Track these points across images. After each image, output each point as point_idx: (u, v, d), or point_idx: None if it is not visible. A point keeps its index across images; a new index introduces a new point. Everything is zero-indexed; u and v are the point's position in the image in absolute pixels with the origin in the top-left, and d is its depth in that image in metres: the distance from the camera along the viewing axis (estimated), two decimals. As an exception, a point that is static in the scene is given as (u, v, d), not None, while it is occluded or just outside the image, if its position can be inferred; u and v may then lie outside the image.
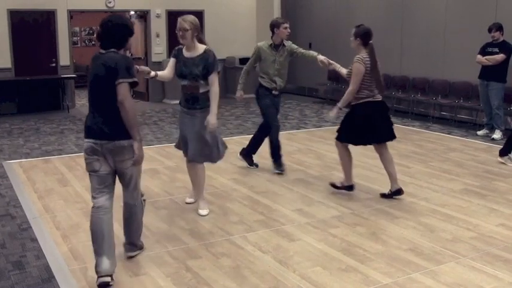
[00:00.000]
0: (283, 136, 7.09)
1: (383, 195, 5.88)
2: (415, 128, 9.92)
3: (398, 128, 9.93)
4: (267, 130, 6.77)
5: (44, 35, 12.25)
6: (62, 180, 6.61)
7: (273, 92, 6.65)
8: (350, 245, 4.62)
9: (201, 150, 5.26)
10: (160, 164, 7.27)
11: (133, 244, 4.38)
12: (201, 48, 5.15)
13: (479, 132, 9.30)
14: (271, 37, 6.63)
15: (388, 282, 3.94)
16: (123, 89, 3.83)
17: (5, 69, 11.84)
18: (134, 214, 4.27)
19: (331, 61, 6.23)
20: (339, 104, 5.70)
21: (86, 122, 4.03)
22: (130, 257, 4.34)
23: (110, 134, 3.88)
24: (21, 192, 6.15)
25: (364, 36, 5.64)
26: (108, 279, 3.84)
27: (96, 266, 3.88)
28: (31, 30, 12.06)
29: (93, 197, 4.03)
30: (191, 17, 5.12)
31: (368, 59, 5.59)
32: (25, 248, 4.60)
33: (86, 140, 3.97)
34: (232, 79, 14.19)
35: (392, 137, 5.84)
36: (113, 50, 3.97)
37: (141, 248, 4.47)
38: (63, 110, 12.22)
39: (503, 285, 3.91)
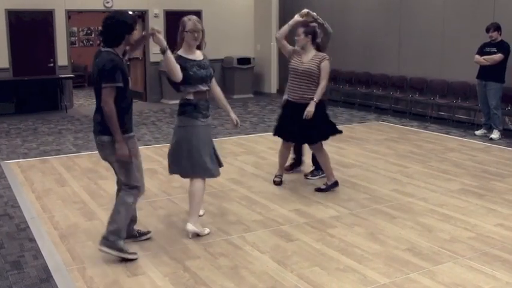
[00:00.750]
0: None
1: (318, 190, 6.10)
2: (413, 128, 9.93)
3: (396, 128, 9.97)
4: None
5: (42, 35, 12.24)
6: (60, 180, 6.60)
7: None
8: (348, 245, 4.62)
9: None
10: (158, 164, 7.26)
11: (105, 237, 4.22)
12: (198, 50, 4.89)
13: (477, 132, 9.30)
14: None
15: (386, 282, 3.94)
16: (104, 94, 4.05)
17: (3, 69, 11.83)
18: (114, 208, 4.31)
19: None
20: (316, 99, 5.81)
21: None
22: (101, 250, 4.22)
23: (96, 129, 4.26)
24: (19, 192, 6.15)
25: (314, 34, 5.96)
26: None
27: None
28: (29, 30, 12.05)
29: None
30: (197, 18, 4.90)
31: None
32: (23, 248, 4.59)
33: None
34: (230, 79, 14.21)
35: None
36: (107, 48, 4.12)
37: (113, 248, 4.21)
38: (61, 110, 12.21)
39: (501, 285, 3.91)
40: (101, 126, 4.17)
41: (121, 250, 4.24)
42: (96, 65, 4.12)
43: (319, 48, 5.98)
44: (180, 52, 4.78)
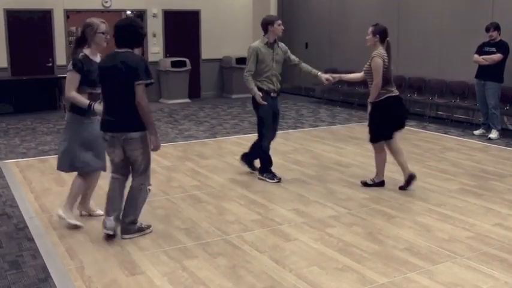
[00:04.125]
0: (279, 135, 7.07)
1: (401, 188, 6.18)
2: (411, 128, 9.92)
3: (395, 127, 9.97)
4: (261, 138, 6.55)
5: (41, 34, 12.23)
6: (59, 180, 6.59)
7: (272, 94, 6.39)
8: (346, 244, 4.62)
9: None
10: (156, 164, 7.25)
11: (130, 223, 4.68)
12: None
13: (476, 132, 9.31)
14: (264, 35, 6.40)
15: (385, 282, 3.94)
16: (141, 91, 4.38)
17: (2, 68, 11.82)
18: (135, 197, 4.66)
19: (335, 75, 6.53)
20: (370, 100, 6.12)
21: None
22: (124, 238, 4.65)
23: (122, 127, 4.46)
24: (18, 191, 6.14)
25: (383, 33, 6.02)
26: (111, 232, 4.64)
27: (104, 223, 4.66)
28: (27, 30, 12.04)
29: (112, 172, 4.75)
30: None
31: (386, 54, 5.99)
32: (21, 248, 4.59)
33: None
34: (229, 79, 14.21)
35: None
36: (127, 49, 4.50)
37: (137, 230, 4.74)
38: (60, 109, 12.18)
39: (499, 284, 3.92)
40: (131, 124, 4.43)
41: (141, 230, 4.79)
42: (123, 63, 4.37)
43: (389, 46, 6.15)
44: (87, 53, 4.83)
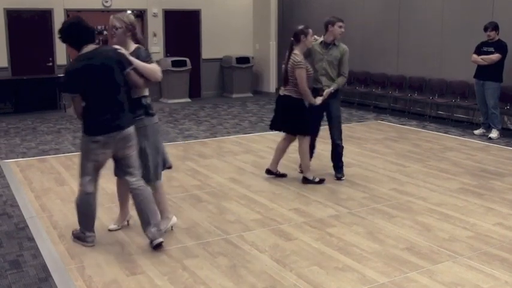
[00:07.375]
0: (280, 135, 7.05)
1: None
2: (412, 127, 9.93)
3: (395, 127, 9.97)
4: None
5: (41, 34, 12.22)
6: (59, 179, 6.60)
7: (320, 92, 6.38)
8: (347, 244, 4.63)
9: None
10: (157, 163, 7.26)
11: (160, 229, 4.54)
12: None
13: (476, 132, 9.31)
14: (323, 35, 6.53)
15: (385, 282, 3.94)
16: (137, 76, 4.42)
17: (2, 68, 11.81)
18: (149, 197, 4.47)
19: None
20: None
21: None
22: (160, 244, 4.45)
23: (127, 122, 4.36)
24: (18, 191, 6.14)
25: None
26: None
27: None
28: (28, 30, 12.04)
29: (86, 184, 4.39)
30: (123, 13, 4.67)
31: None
32: (22, 247, 4.59)
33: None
34: (229, 78, 14.20)
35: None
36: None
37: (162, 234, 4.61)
38: (60, 109, 12.19)
39: (500, 284, 3.92)
40: (130, 118, 4.40)
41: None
42: (109, 59, 4.23)
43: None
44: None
